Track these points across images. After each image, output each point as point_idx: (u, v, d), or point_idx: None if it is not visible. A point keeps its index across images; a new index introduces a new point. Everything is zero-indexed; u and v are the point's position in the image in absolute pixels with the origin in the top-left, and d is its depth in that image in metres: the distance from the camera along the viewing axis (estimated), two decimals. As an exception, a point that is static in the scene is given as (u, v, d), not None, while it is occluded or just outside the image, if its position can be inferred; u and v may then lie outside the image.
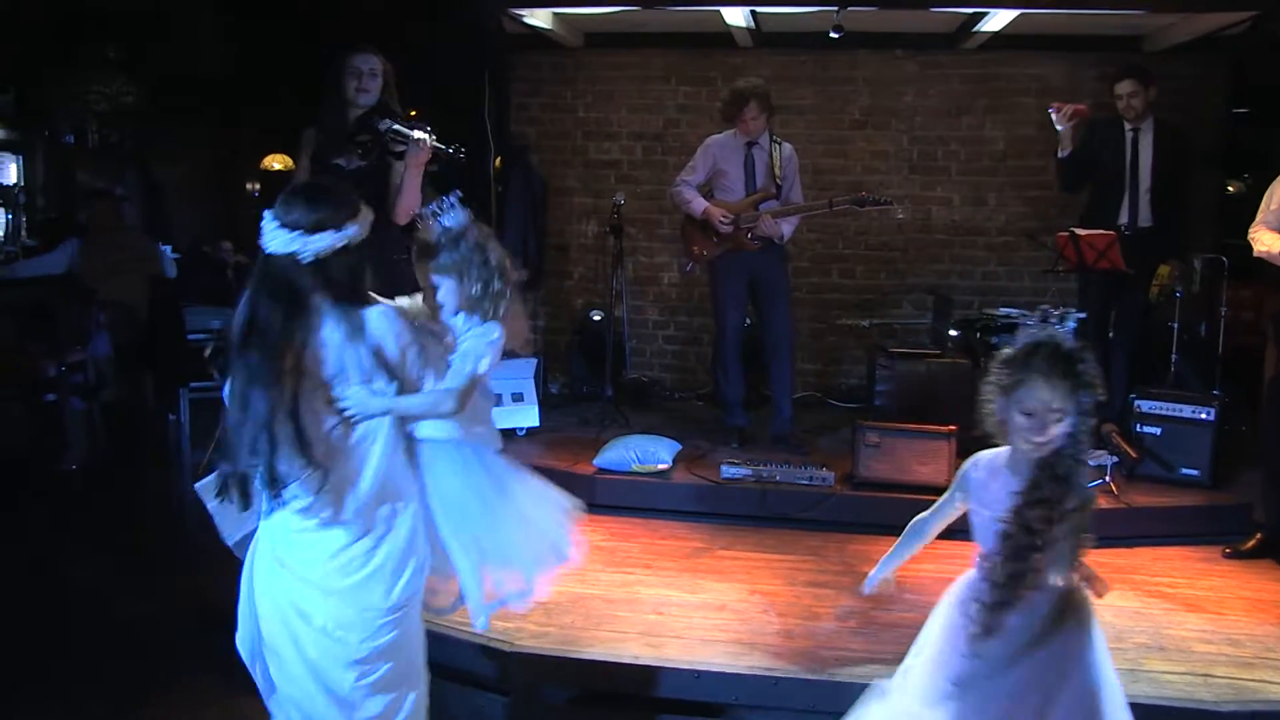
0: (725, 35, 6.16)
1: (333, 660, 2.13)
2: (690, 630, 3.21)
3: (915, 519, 2.38)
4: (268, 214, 2.08)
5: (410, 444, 2.26)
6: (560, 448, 4.98)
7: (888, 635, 3.12)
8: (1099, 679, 2.06)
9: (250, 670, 2.26)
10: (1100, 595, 2.11)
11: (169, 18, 8.56)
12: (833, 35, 5.43)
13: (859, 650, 3.07)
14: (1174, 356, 5.26)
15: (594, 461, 4.62)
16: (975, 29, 5.79)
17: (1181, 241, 5.19)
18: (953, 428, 4.33)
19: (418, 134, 3.65)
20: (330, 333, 2.09)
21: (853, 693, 2.37)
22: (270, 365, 2.01)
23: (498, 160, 6.15)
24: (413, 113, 4.11)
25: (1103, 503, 4.15)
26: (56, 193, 8.60)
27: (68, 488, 5.11)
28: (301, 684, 2.15)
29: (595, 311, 6.48)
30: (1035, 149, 6.09)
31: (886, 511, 3.97)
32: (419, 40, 6.83)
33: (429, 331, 2.29)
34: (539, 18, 5.90)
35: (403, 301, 2.38)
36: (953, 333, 5.59)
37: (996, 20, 5.59)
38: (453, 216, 2.36)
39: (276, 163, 10.11)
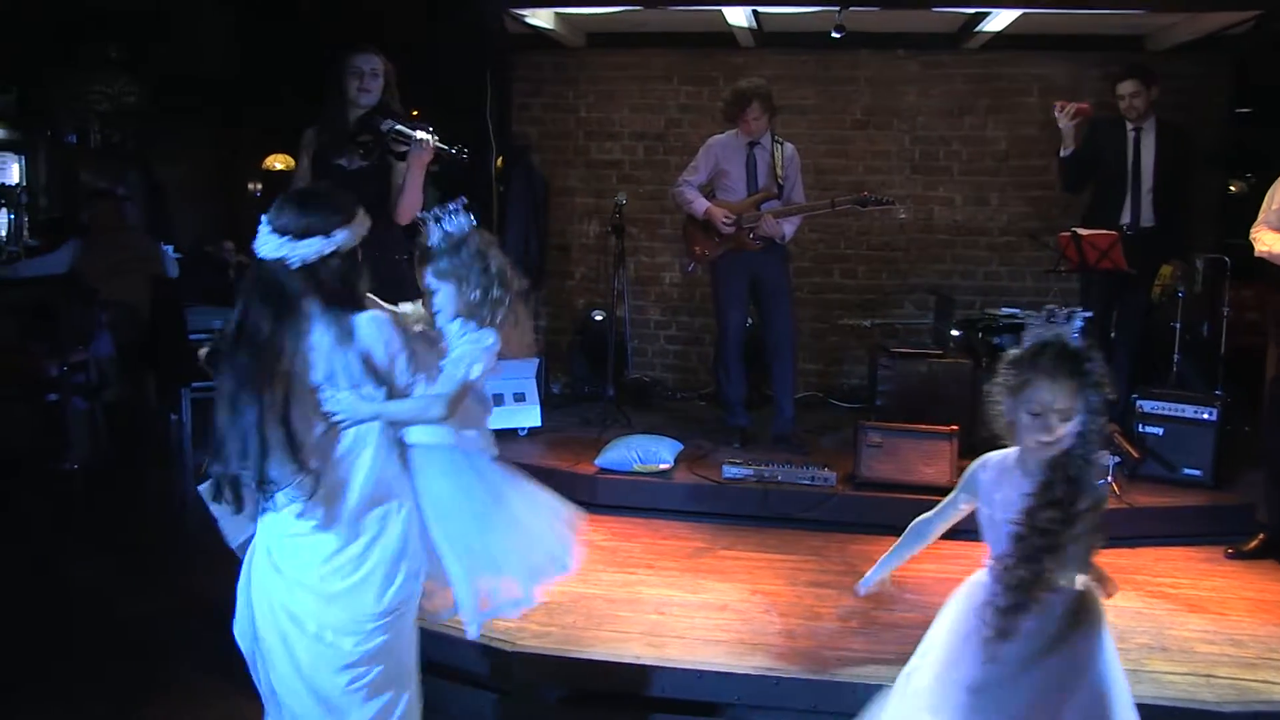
0: (727, 35, 6.16)
1: (324, 665, 2.12)
2: (692, 630, 3.20)
3: (917, 520, 2.35)
4: (262, 218, 2.08)
5: (403, 449, 2.24)
6: (562, 448, 4.98)
7: (889, 635, 3.12)
8: (1109, 681, 2.04)
9: (250, 666, 2.26)
10: (1110, 595, 2.10)
11: (170, 18, 8.58)
12: (834, 35, 5.44)
13: (861, 650, 3.07)
14: (1176, 356, 5.25)
15: (596, 461, 4.61)
16: (977, 29, 5.79)
17: (1184, 241, 5.17)
18: (955, 428, 4.34)
19: (420, 134, 3.65)
20: (320, 337, 2.08)
21: (854, 693, 2.37)
22: (259, 369, 2.01)
23: (499, 160, 6.16)
24: (414, 113, 4.11)
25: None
26: (58, 193, 8.59)
27: (69, 487, 5.11)
28: (292, 687, 2.15)
29: (597, 311, 6.48)
30: (1037, 149, 6.09)
31: (888, 512, 3.96)
32: (420, 40, 6.84)
33: (425, 338, 2.28)
34: (540, 18, 5.90)
35: (405, 307, 2.36)
36: (954, 333, 5.60)
37: (999, 20, 5.58)
38: (455, 222, 2.34)
39: (278, 163, 10.09)
